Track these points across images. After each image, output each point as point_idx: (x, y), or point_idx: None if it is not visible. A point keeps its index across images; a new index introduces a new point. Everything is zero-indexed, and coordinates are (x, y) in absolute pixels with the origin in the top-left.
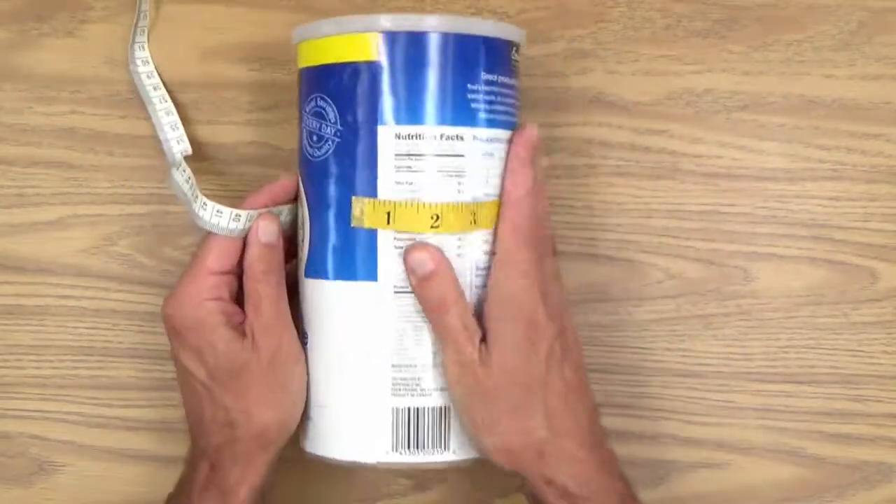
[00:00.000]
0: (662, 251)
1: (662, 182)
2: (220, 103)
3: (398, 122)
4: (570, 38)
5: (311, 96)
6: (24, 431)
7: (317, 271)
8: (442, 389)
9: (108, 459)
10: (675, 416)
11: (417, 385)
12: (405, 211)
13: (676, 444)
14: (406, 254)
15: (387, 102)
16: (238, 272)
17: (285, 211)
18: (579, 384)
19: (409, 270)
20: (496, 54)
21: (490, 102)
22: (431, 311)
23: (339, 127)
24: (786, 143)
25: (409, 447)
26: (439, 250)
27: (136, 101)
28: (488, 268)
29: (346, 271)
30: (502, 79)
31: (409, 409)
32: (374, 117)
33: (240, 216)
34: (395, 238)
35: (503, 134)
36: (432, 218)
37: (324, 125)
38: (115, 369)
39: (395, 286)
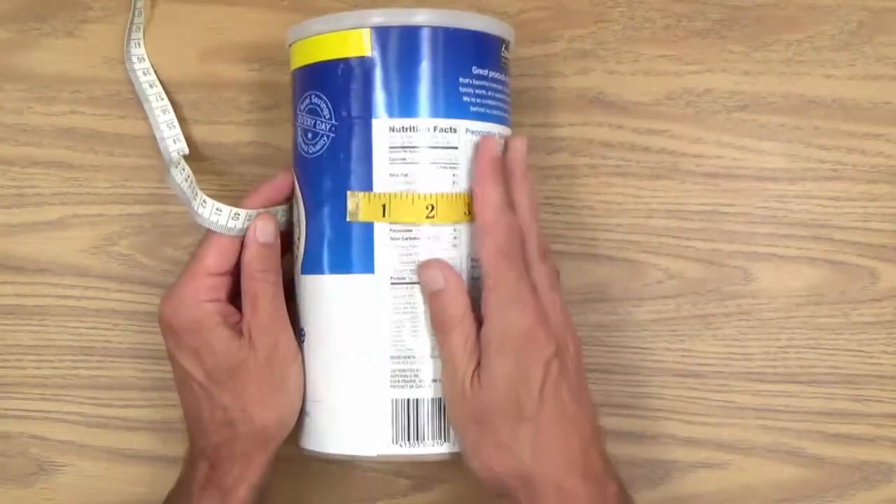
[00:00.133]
0: (662, 251)
1: (662, 182)
2: (220, 103)
3: (392, 115)
4: (570, 38)
5: (306, 94)
6: (24, 431)
7: (313, 267)
8: (440, 381)
9: (108, 459)
10: (675, 416)
11: (416, 376)
12: (400, 203)
13: (676, 444)
14: (420, 268)
15: (380, 96)
16: (235, 272)
17: (281, 211)
18: (576, 407)
19: (422, 284)
20: (486, 49)
21: (481, 97)
22: (437, 326)
23: (333, 122)
24: (786, 143)
25: (408, 439)
26: (452, 269)
27: (136, 101)
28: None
29: (343, 265)
30: (493, 74)
31: (407, 401)
32: (368, 111)
33: (239, 215)
34: (390, 230)
35: (495, 128)
36: (427, 208)
37: (318, 122)
38: (115, 369)
39: (391, 278)
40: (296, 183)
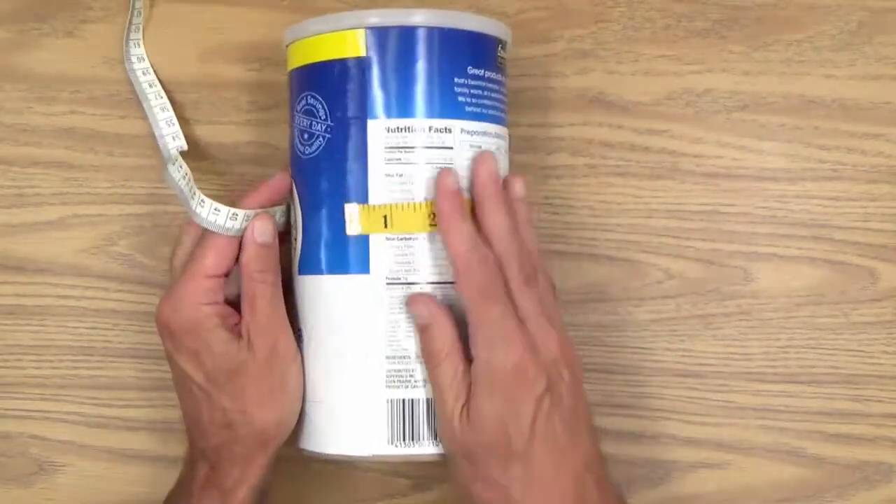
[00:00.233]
0: (662, 251)
1: (662, 182)
2: (220, 103)
3: (387, 115)
4: (570, 38)
5: (302, 95)
6: (24, 431)
7: (310, 267)
8: None
9: (108, 459)
10: (675, 416)
11: (411, 377)
12: (402, 212)
13: (676, 444)
14: (408, 301)
15: (376, 97)
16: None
17: (279, 211)
18: (570, 437)
19: (413, 317)
20: (482, 49)
21: (477, 96)
22: (425, 359)
23: (329, 123)
24: (786, 143)
25: (403, 439)
26: (437, 303)
27: (136, 101)
28: None
29: (340, 265)
30: (489, 74)
31: (403, 401)
32: (363, 112)
33: (237, 215)
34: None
35: (491, 128)
36: (430, 216)
37: (314, 122)
38: (115, 369)
39: (387, 278)
40: (293, 183)
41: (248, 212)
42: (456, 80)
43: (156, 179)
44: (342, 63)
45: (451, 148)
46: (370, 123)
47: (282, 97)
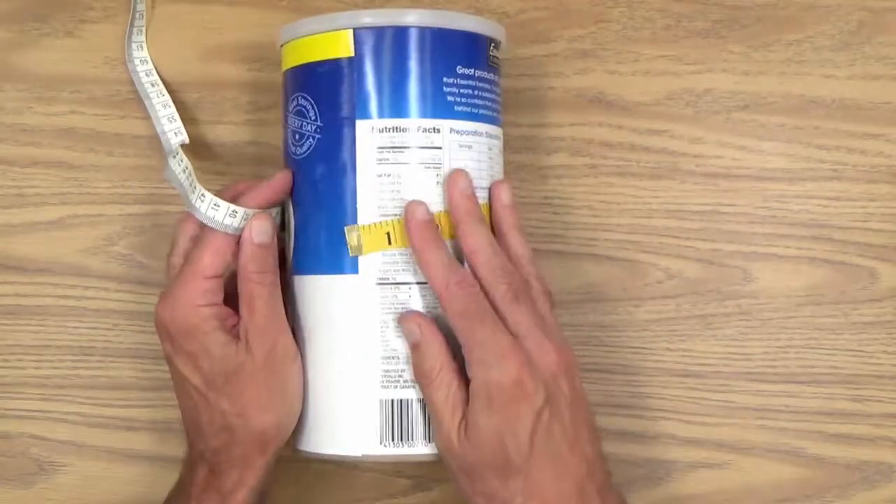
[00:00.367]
0: (662, 251)
1: (662, 182)
2: (220, 103)
3: (376, 115)
4: (570, 38)
5: (293, 95)
6: (24, 431)
7: (303, 267)
8: None
9: (108, 459)
10: (675, 416)
11: (400, 377)
12: (404, 228)
13: (676, 444)
14: (399, 318)
15: (364, 97)
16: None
17: (277, 211)
18: (571, 446)
19: (405, 335)
20: (473, 49)
21: (467, 96)
22: (418, 377)
23: (319, 123)
24: (786, 143)
25: (393, 439)
26: (427, 320)
27: (136, 101)
28: None
29: (331, 266)
30: (480, 73)
31: (394, 401)
32: (352, 112)
33: (236, 212)
34: None
35: (483, 127)
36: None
37: (304, 123)
38: (115, 369)
39: (378, 278)
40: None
41: (248, 210)
42: (445, 79)
43: (156, 179)
44: (330, 64)
45: (440, 148)
46: (360, 124)
47: (281, 97)
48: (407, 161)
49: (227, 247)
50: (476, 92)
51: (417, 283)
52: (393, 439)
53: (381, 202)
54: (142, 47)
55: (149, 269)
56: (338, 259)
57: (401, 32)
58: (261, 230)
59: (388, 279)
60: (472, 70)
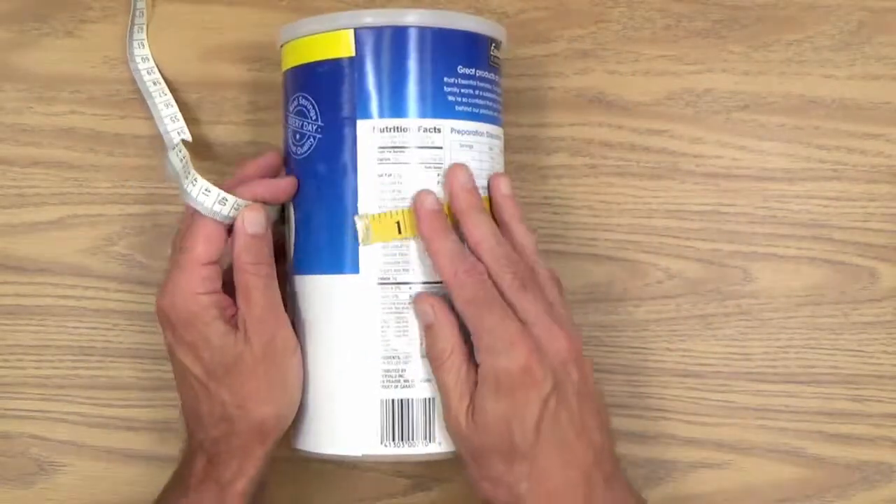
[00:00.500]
0: (662, 251)
1: (662, 182)
2: (220, 103)
3: (377, 115)
4: (570, 38)
5: (294, 95)
6: (24, 431)
7: (303, 267)
8: (426, 380)
9: (108, 459)
10: (675, 416)
11: (401, 377)
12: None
13: (676, 444)
14: (414, 300)
15: (365, 97)
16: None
17: (273, 211)
18: (578, 432)
19: (418, 316)
20: (474, 49)
21: (468, 96)
22: (430, 359)
23: (319, 123)
24: (786, 143)
25: (393, 439)
26: (441, 302)
27: (136, 101)
28: None
29: (332, 265)
30: (481, 73)
31: (394, 401)
32: (353, 112)
33: (226, 200)
34: None
35: (483, 127)
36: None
37: (305, 123)
38: (115, 369)
39: (378, 278)
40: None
41: (239, 200)
42: (445, 79)
43: (156, 179)
44: (330, 64)
45: (441, 148)
46: (361, 123)
47: (281, 97)
48: (408, 161)
49: (217, 234)
50: (477, 92)
51: (418, 282)
52: (393, 439)
53: (382, 202)
54: (143, 45)
55: (149, 269)
56: (338, 259)
57: (401, 32)
58: (253, 220)
59: (388, 279)
60: (473, 70)
